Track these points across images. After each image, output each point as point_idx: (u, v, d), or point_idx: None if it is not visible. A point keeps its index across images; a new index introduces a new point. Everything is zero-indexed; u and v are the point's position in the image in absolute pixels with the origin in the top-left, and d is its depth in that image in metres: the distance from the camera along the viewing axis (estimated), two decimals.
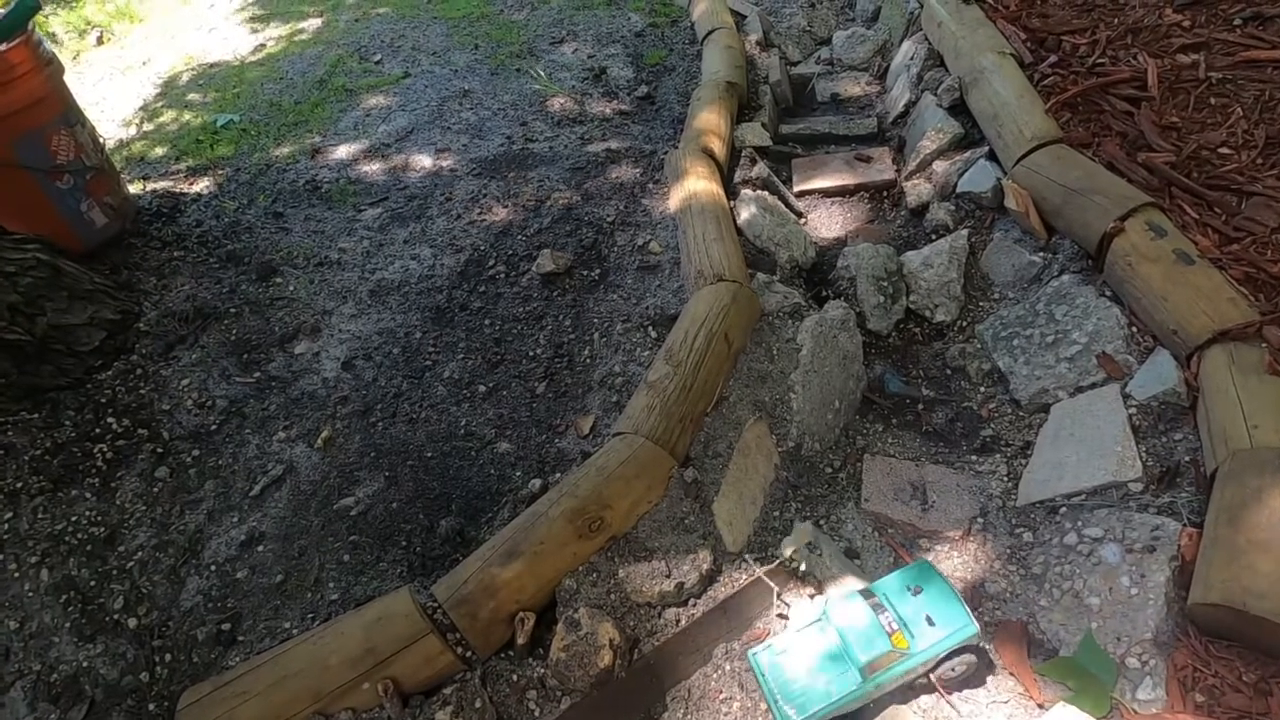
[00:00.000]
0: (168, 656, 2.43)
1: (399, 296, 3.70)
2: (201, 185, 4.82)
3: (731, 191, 4.10)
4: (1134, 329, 3.05)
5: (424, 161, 4.66)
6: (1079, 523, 2.62)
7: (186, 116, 5.83)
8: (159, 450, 3.02)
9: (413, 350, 3.42)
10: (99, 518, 2.75)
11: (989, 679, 2.42)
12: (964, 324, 3.69)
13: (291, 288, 3.83)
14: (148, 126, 5.83)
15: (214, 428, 3.13)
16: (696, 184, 3.82)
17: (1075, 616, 2.40)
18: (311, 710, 2.20)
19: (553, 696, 2.42)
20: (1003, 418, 3.26)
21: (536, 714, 2.39)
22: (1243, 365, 2.60)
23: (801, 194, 4.48)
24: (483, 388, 3.20)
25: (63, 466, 2.86)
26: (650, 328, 3.25)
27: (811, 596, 2.70)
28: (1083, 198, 3.30)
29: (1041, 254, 3.56)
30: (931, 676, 2.34)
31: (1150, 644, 2.18)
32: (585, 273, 3.61)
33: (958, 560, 2.79)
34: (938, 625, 2.29)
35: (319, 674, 2.23)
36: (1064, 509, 2.72)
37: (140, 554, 2.68)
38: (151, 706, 2.33)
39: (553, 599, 2.49)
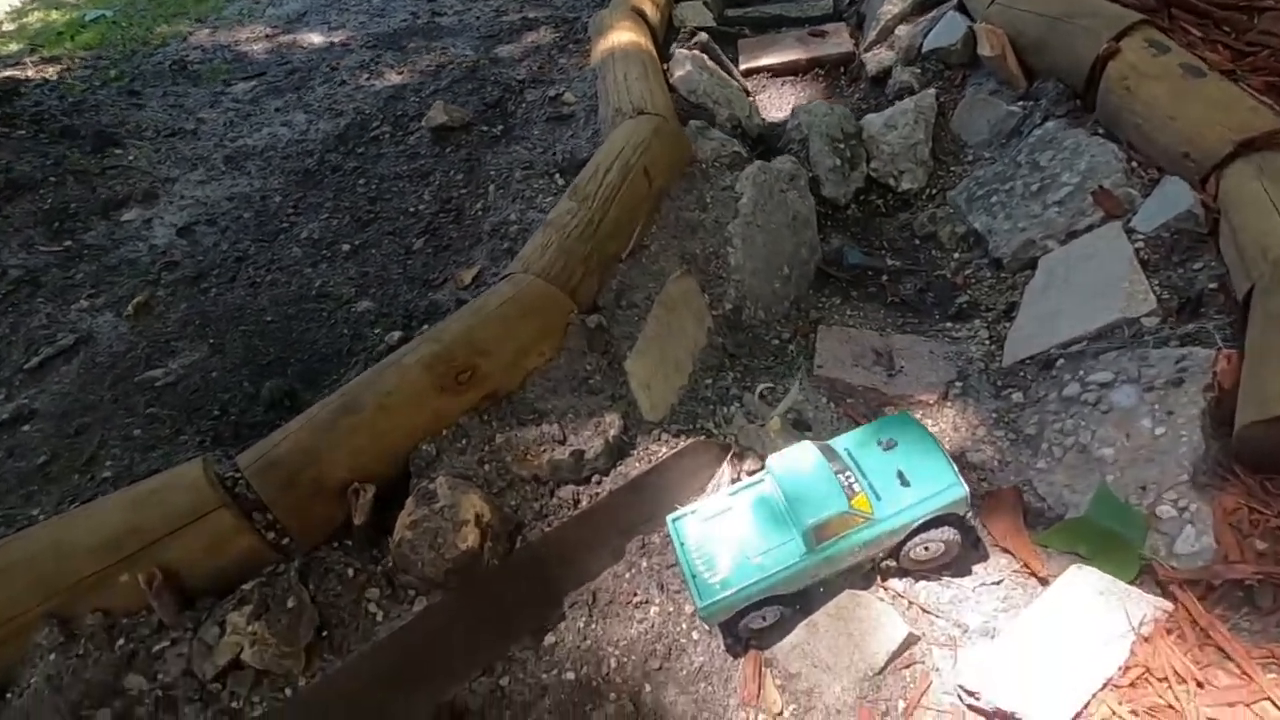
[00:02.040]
0: None
1: (260, 161, 3.06)
2: (51, 72, 4.11)
3: (666, 56, 3.53)
4: (1134, 163, 2.54)
5: (313, 39, 4.02)
6: (1081, 371, 2.09)
7: (54, 15, 5.09)
8: None
9: (268, 214, 2.79)
10: None
11: (978, 558, 1.87)
12: (933, 192, 3.17)
13: (131, 157, 3.17)
14: (9, 28, 5.09)
15: None
16: (622, 36, 3.24)
17: (1083, 473, 1.87)
18: (41, 610, 1.55)
19: (403, 597, 1.81)
20: (981, 283, 2.74)
21: (379, 619, 1.77)
22: (1274, 174, 2.11)
23: (748, 72, 3.93)
24: (347, 246, 2.58)
25: None
26: (557, 175, 2.66)
27: (750, 474, 2.12)
28: (1068, 24, 2.80)
29: (1021, 103, 3.05)
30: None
31: (1187, 488, 1.65)
32: (485, 129, 3.02)
33: (932, 429, 2.23)
34: (913, 485, 1.72)
35: (56, 562, 1.58)
36: (1061, 360, 2.19)
37: None
38: None
39: (407, 470, 1.87)
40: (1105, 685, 1.41)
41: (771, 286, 2.68)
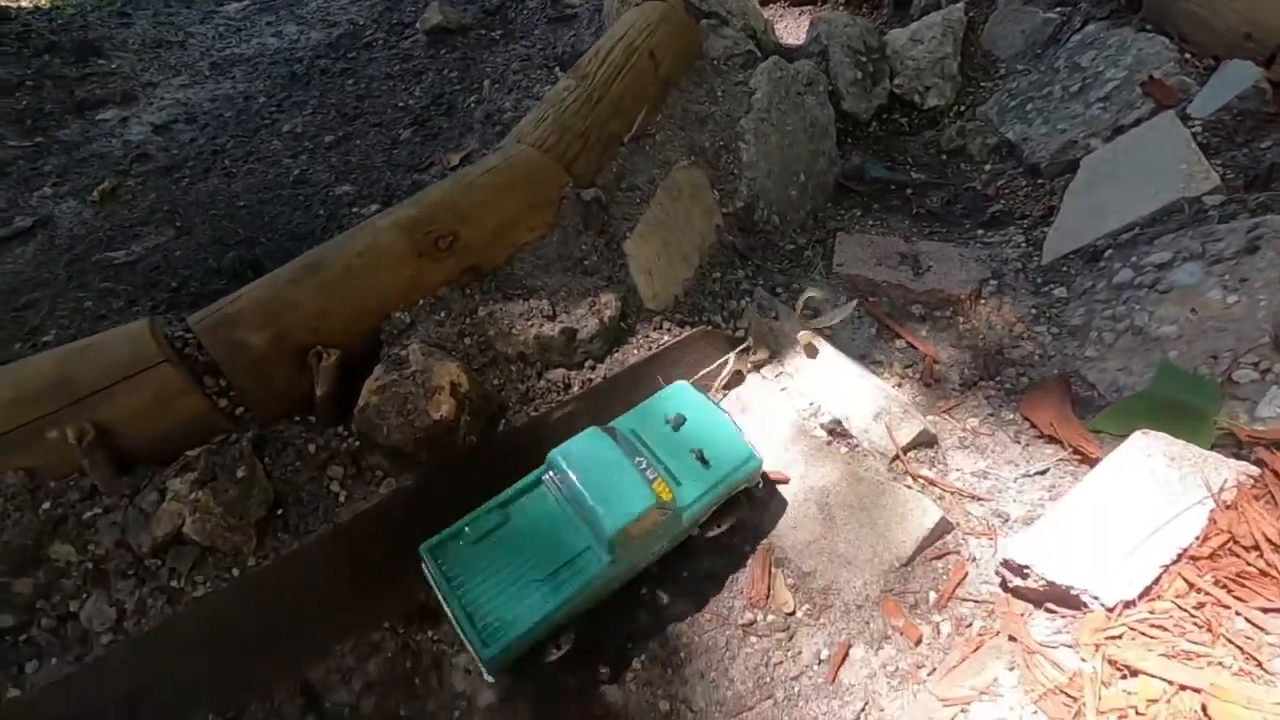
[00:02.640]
0: None
1: (247, 68, 2.90)
2: (44, 1, 3.99)
3: None
4: (1186, 54, 2.32)
5: None
6: (1134, 257, 1.88)
7: None
8: None
9: (250, 112, 2.62)
10: None
11: (1017, 449, 1.65)
12: (961, 108, 2.95)
13: (114, 65, 3.02)
14: None
15: None
16: None
17: (1140, 354, 1.65)
18: None
19: (369, 478, 1.61)
20: (1014, 192, 2.52)
21: (341, 499, 1.58)
22: None
23: (765, 1, 3.73)
24: (330, 138, 2.41)
25: None
26: (556, 68, 2.47)
27: (758, 367, 1.92)
28: None
29: (1059, 9, 2.84)
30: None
31: (1269, 349, 1.43)
32: (483, 32, 2.84)
33: (963, 327, 2.02)
34: (712, 465, 1.51)
35: None
36: (1110, 250, 1.97)
37: None
38: None
39: (378, 341, 1.68)
40: (1180, 557, 1.19)
41: (787, 192, 2.47)
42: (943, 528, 1.48)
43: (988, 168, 2.66)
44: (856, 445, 1.67)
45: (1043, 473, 1.58)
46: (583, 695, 1.46)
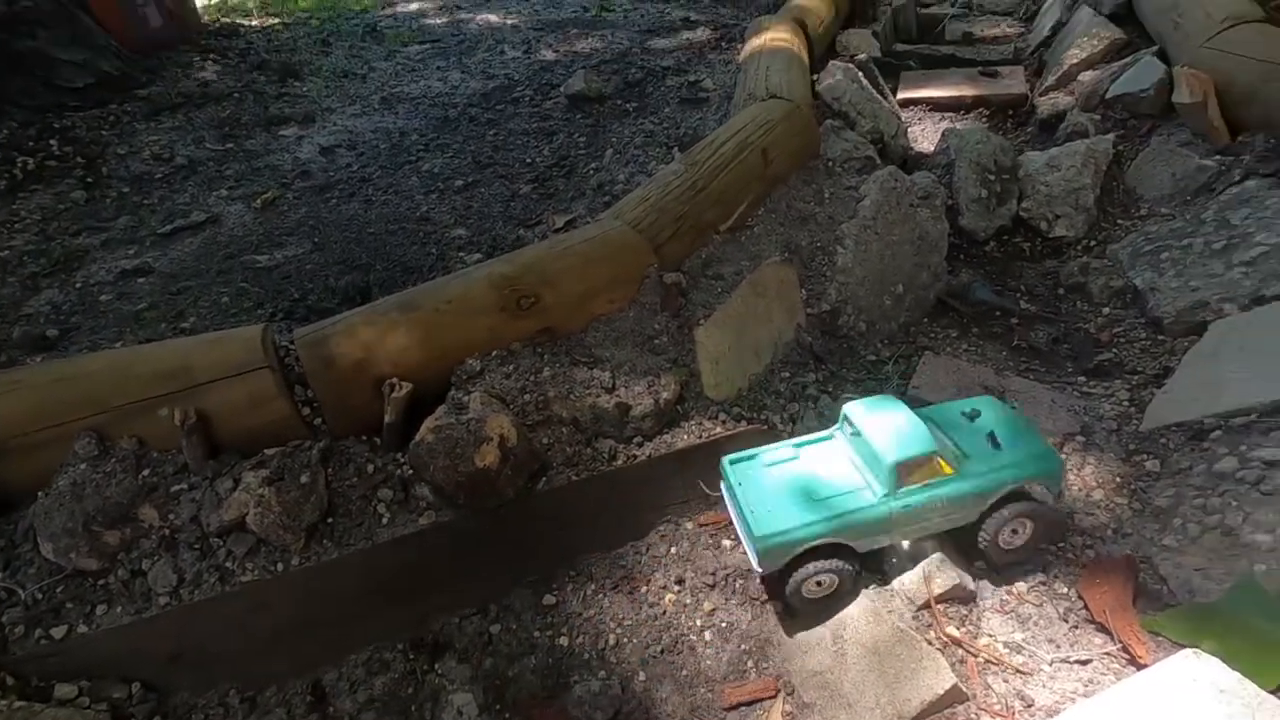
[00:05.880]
0: None
1: (409, 105, 3.26)
2: (269, 22, 4.66)
3: (817, 68, 3.42)
4: None
5: (490, 19, 4.28)
6: (1242, 446, 1.71)
7: None
8: (88, 180, 2.65)
9: (401, 147, 2.94)
10: None
11: (1062, 628, 1.53)
12: (1091, 243, 2.80)
13: (306, 89, 3.48)
14: None
15: (158, 176, 2.73)
16: (775, 35, 3.17)
17: (1224, 559, 1.50)
18: (89, 422, 1.62)
19: (414, 507, 1.73)
20: (1131, 343, 2.36)
21: (385, 520, 1.70)
22: None
23: (906, 103, 3.73)
24: (460, 183, 2.65)
25: None
26: (675, 149, 2.60)
27: None
28: None
29: (1217, 158, 2.65)
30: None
31: None
32: (619, 103, 3.04)
33: None
34: (1005, 448, 1.58)
35: (113, 382, 1.65)
36: (1217, 432, 1.81)
37: (5, 254, 2.24)
38: None
39: (449, 382, 1.82)
40: None
41: (880, 301, 2.44)
42: (954, 696, 1.40)
43: (1106, 311, 2.51)
44: (885, 583, 1.61)
45: (1084, 663, 1.46)
46: None
